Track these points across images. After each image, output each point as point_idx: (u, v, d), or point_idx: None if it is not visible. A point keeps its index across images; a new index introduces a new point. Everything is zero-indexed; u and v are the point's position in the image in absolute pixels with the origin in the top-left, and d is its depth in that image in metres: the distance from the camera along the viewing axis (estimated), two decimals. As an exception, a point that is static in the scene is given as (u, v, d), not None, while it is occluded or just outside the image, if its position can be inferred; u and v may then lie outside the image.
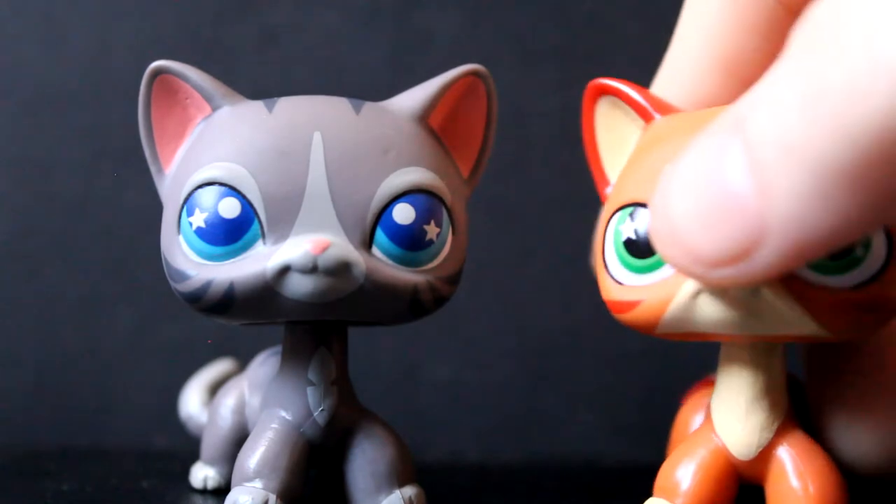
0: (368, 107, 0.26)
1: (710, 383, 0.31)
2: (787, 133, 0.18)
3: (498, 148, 0.28)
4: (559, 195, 0.46)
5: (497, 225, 0.46)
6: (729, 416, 0.24)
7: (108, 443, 0.44)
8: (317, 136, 0.24)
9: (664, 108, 0.26)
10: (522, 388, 0.46)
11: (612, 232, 0.24)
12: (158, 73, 0.25)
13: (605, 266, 0.24)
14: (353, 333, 0.27)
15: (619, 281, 0.24)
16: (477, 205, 0.29)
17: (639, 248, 0.23)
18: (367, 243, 0.24)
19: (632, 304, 0.24)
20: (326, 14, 0.46)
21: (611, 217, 0.24)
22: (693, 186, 0.20)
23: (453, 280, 0.26)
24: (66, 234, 0.46)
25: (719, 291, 0.22)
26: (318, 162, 0.24)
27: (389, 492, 0.26)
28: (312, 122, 0.24)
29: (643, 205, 0.23)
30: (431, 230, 0.25)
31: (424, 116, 0.26)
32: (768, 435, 0.24)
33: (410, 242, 0.25)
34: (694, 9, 0.28)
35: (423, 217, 0.25)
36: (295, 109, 0.25)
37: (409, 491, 0.26)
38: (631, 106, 0.26)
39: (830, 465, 0.24)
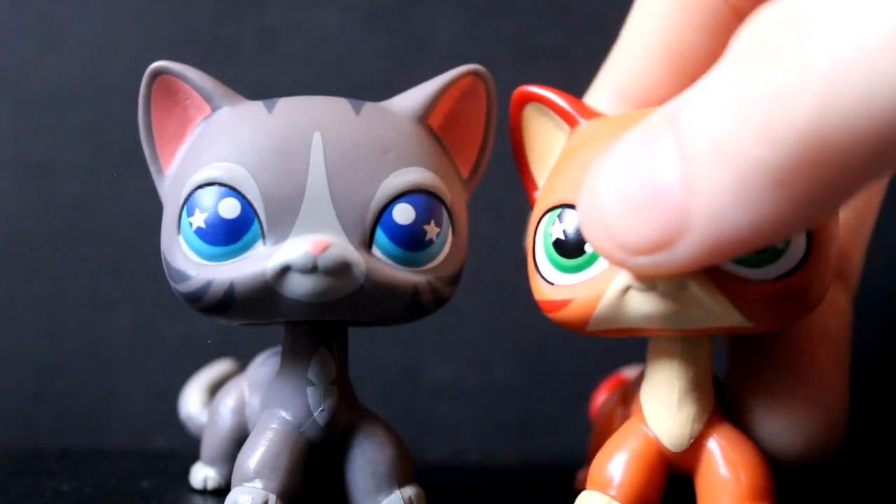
0: (368, 107, 0.26)
1: (620, 380, 0.32)
2: (718, 131, 0.18)
3: (498, 148, 0.28)
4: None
5: (497, 225, 0.45)
6: (660, 408, 0.25)
7: (108, 443, 0.44)
8: (317, 137, 0.24)
9: (589, 114, 0.26)
10: (522, 388, 0.46)
11: (542, 233, 0.25)
12: (158, 73, 0.25)
13: (536, 267, 0.25)
14: (353, 333, 0.27)
15: (550, 281, 0.24)
16: (477, 205, 0.29)
17: (568, 249, 0.24)
18: (367, 243, 0.24)
19: (563, 303, 0.24)
20: (326, 14, 0.46)
21: (540, 219, 0.25)
22: (622, 174, 0.20)
23: (453, 280, 0.26)
24: (66, 234, 0.46)
25: (647, 286, 0.22)
26: (317, 162, 0.24)
27: (389, 492, 0.26)
28: (312, 123, 0.24)
29: (571, 206, 0.24)
30: (431, 230, 0.25)
31: (424, 117, 0.26)
32: (699, 426, 0.24)
33: (410, 242, 0.25)
34: (645, 1, 0.29)
35: (423, 217, 0.25)
36: (295, 110, 0.25)
37: (409, 491, 0.26)
38: (556, 112, 0.26)
39: (759, 455, 0.24)
